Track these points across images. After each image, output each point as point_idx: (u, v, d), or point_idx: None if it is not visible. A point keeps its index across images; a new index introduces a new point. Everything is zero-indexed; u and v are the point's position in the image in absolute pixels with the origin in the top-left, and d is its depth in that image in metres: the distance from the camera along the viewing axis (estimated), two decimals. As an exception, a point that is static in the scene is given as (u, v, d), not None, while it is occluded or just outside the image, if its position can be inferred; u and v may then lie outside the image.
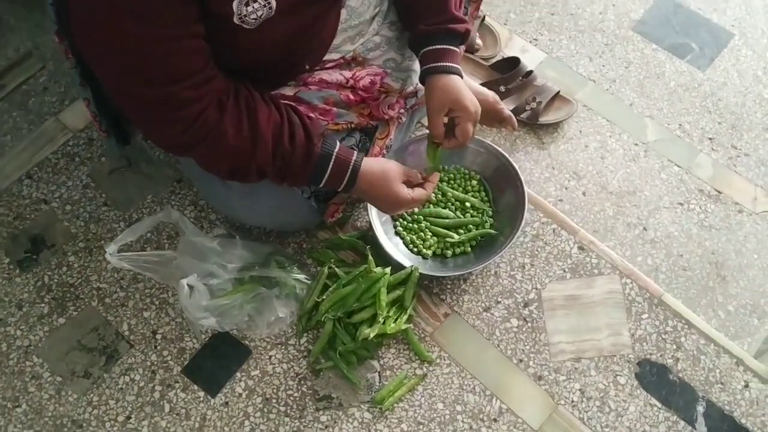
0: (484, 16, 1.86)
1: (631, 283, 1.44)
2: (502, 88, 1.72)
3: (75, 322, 1.41)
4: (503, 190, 1.47)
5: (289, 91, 1.27)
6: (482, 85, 1.69)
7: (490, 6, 1.93)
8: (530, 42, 1.89)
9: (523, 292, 1.43)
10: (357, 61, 1.30)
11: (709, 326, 1.40)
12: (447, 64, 1.23)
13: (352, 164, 1.20)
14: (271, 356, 1.37)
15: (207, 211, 1.51)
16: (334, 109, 1.31)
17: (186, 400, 1.34)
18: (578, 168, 1.67)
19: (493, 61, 1.82)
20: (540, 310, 1.41)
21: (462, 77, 1.24)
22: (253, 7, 1.04)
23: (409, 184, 1.26)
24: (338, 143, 1.20)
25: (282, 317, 1.36)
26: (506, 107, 1.51)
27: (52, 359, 1.38)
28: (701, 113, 1.77)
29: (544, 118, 1.73)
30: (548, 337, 1.39)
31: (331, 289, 1.36)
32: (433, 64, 1.23)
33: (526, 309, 1.42)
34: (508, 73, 1.73)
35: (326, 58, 1.27)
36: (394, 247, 1.41)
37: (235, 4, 1.02)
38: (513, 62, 1.76)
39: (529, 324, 1.40)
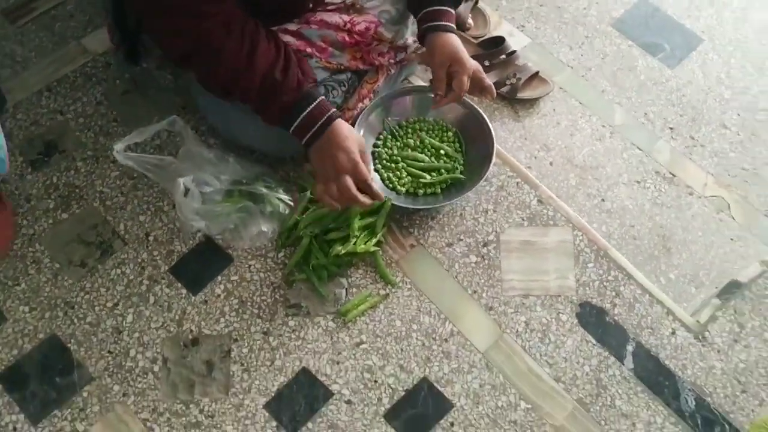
0: (477, 0, 2.03)
1: (582, 235, 1.59)
2: (486, 63, 1.87)
3: (77, 218, 1.56)
4: (476, 144, 1.63)
5: (292, 26, 1.43)
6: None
7: (484, -9, 2.09)
8: (517, 27, 2.05)
9: (484, 234, 1.58)
10: (355, 8, 1.46)
11: (646, 279, 1.55)
12: (446, 23, 1.40)
13: (329, 112, 1.32)
14: (250, 265, 1.51)
15: (207, 135, 1.66)
16: (330, 48, 1.46)
17: (169, 294, 1.48)
18: (548, 141, 1.83)
19: (481, 39, 1.98)
20: (497, 251, 1.56)
21: (458, 36, 1.41)
22: None
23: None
24: (322, 96, 1.35)
25: (264, 231, 1.50)
26: (488, 79, 1.68)
27: (53, 248, 1.52)
28: (666, 105, 1.93)
29: (522, 94, 1.88)
30: (502, 274, 1.54)
31: (311, 209, 1.51)
32: (436, 23, 1.39)
33: (485, 248, 1.57)
34: (493, 50, 1.89)
35: (328, 0, 1.43)
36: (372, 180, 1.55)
37: None
38: (498, 41, 1.92)
39: (486, 261, 1.55)
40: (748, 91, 1.96)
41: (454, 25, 1.41)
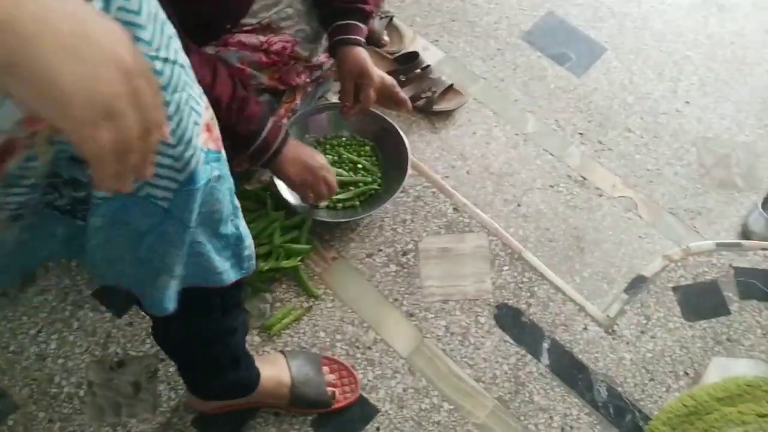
0: (392, 17, 2.10)
1: (497, 240, 1.67)
2: (402, 78, 1.94)
3: (-4, 247, 1.55)
4: (392, 157, 1.69)
5: (210, 50, 1.47)
6: (387, 73, 1.92)
7: (398, 8, 2.17)
8: (432, 42, 2.13)
9: (403, 243, 1.64)
10: (271, 28, 1.51)
11: (559, 279, 1.63)
12: (355, 37, 1.46)
13: (283, 132, 1.42)
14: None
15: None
16: (248, 69, 1.51)
17: (94, 318, 1.49)
18: (465, 151, 1.90)
19: (397, 55, 2.05)
20: (416, 259, 1.62)
21: (366, 51, 1.47)
22: None
23: None
24: (270, 119, 1.43)
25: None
26: (404, 93, 1.74)
27: (-28, 279, 1.51)
28: (575, 112, 2.03)
29: (438, 106, 1.96)
30: (421, 281, 1.60)
31: (232, 228, 1.54)
32: (345, 36, 1.45)
33: (404, 257, 1.62)
34: (408, 65, 1.96)
35: (245, 21, 1.47)
36: (292, 197, 1.60)
37: None
38: (413, 56, 2.00)
39: (406, 270, 1.61)
40: (650, 95, 2.08)
41: (363, 39, 1.47)
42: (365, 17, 1.49)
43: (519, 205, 1.82)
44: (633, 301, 1.62)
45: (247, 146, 1.38)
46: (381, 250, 1.63)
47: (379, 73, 1.72)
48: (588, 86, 2.09)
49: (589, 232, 1.80)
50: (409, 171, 1.63)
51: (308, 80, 1.65)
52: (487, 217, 1.70)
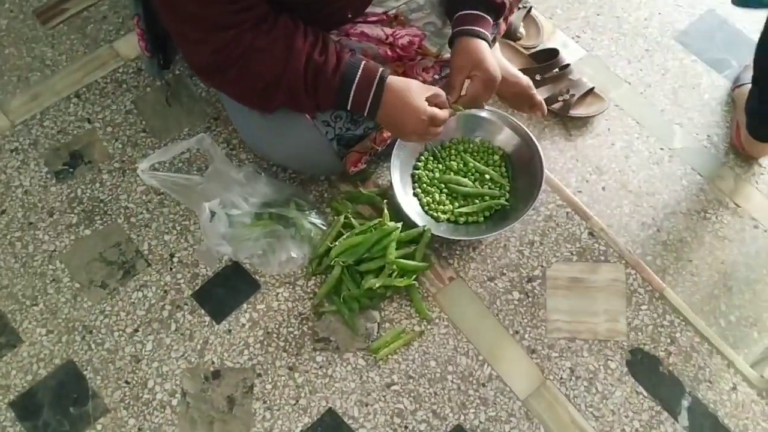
0: (530, 7, 1.90)
1: (635, 274, 1.47)
2: (538, 77, 1.75)
3: (100, 235, 1.49)
4: (524, 169, 1.51)
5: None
6: (521, 71, 1.73)
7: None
8: (572, 38, 1.92)
9: (529, 268, 1.47)
10: (398, 20, 1.36)
11: (706, 326, 1.42)
12: (477, 28, 1.28)
13: (378, 74, 1.23)
14: (278, 293, 1.43)
15: (238, 150, 1.57)
16: (371, 61, 1.36)
17: (192, 322, 1.40)
18: (601, 164, 1.70)
19: (534, 50, 1.85)
20: (542, 287, 1.45)
21: (491, 46, 1.29)
22: None
23: (431, 103, 1.29)
24: (365, 59, 1.25)
25: (294, 257, 1.41)
26: (539, 94, 1.56)
27: (74, 266, 1.45)
28: (731, 127, 1.78)
29: (575, 111, 1.76)
30: (546, 313, 1.43)
31: (344, 236, 1.42)
32: (465, 27, 1.28)
33: (529, 284, 1.45)
34: (545, 63, 1.77)
35: (369, 10, 1.32)
36: (411, 206, 1.45)
37: None
38: (552, 53, 1.80)
39: (530, 299, 1.44)
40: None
41: (486, 33, 1.29)
42: (494, 10, 1.31)
43: (659, 231, 1.61)
44: (793, 360, 1.40)
45: (340, 95, 1.23)
46: (504, 274, 1.46)
47: (513, 71, 1.55)
48: (750, 99, 1.83)
49: (739, 268, 1.58)
50: (543, 186, 1.45)
51: (437, 77, 1.49)
52: (626, 247, 1.50)
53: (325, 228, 1.45)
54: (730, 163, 1.72)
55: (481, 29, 1.28)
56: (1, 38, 1.76)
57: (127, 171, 1.55)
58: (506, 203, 1.48)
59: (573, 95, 1.74)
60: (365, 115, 1.26)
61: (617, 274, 1.47)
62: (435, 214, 1.47)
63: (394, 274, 1.38)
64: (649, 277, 1.46)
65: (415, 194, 1.50)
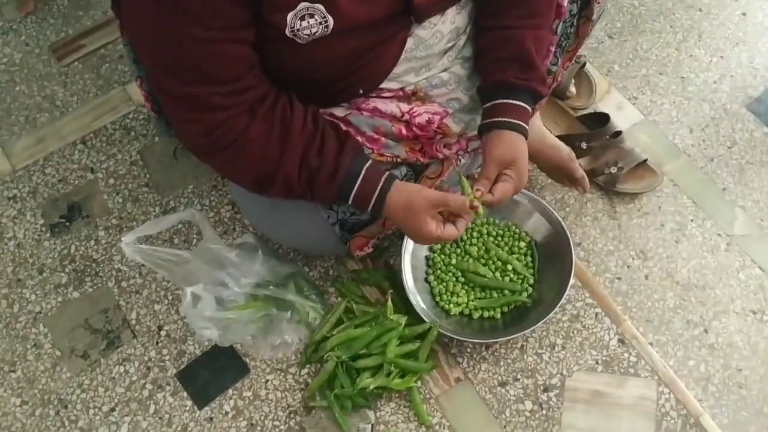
0: (584, 63, 1.72)
1: (669, 393, 1.29)
2: (584, 145, 1.58)
3: (88, 298, 1.40)
4: (552, 261, 1.36)
5: (340, 112, 1.21)
6: (563, 137, 1.57)
7: (594, 53, 1.79)
8: (629, 99, 1.73)
9: (546, 375, 1.32)
10: (418, 96, 1.21)
11: (747, 463, 1.24)
12: (519, 122, 1.13)
13: (380, 186, 1.11)
14: (267, 380, 1.32)
15: (235, 223, 1.47)
16: (383, 139, 1.23)
17: (172, 405, 1.30)
18: (647, 247, 1.52)
19: (582, 112, 1.68)
20: (560, 399, 1.29)
21: (527, 137, 1.14)
22: (308, 22, 0.98)
23: (444, 213, 1.14)
24: (370, 161, 1.12)
25: (288, 342, 1.30)
26: (581, 167, 1.43)
27: (57, 332, 1.37)
28: (801, 216, 1.58)
29: (623, 186, 1.58)
30: (561, 430, 1.27)
31: (342, 326, 1.29)
32: (506, 119, 1.13)
33: (545, 394, 1.30)
34: (594, 130, 1.59)
35: (384, 86, 1.19)
36: (420, 295, 1.32)
37: (289, 16, 0.97)
38: (602, 118, 1.62)
39: (544, 411, 1.28)
40: None
41: (523, 124, 1.14)
42: (539, 99, 1.15)
43: (706, 332, 1.43)
44: None
45: (339, 197, 1.11)
46: (518, 379, 1.31)
47: (552, 141, 1.43)
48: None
49: (797, 384, 1.38)
50: (571, 282, 1.29)
51: (461, 153, 1.35)
52: (659, 359, 1.33)
53: (324, 312, 1.33)
54: (799, 258, 1.52)
55: (523, 123, 1.13)
56: (14, 74, 1.69)
57: (124, 229, 1.47)
58: (527, 300, 1.33)
59: (621, 168, 1.57)
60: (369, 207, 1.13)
61: (647, 391, 1.30)
62: (447, 306, 1.33)
63: (393, 375, 1.25)
64: (685, 399, 1.29)
65: (427, 280, 1.36)
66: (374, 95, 1.20)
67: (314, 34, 0.99)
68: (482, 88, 1.19)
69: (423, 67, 1.19)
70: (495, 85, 1.15)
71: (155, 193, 1.51)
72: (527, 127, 1.15)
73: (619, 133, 1.60)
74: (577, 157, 1.55)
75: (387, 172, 1.12)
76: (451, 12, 1.15)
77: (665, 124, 1.70)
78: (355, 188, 1.10)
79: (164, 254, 1.23)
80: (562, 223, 1.35)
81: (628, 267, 1.49)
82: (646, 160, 1.58)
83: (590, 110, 1.69)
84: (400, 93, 1.20)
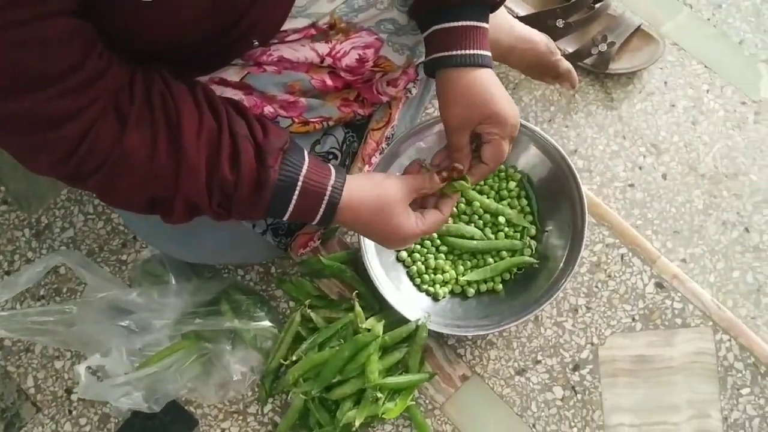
0: None
1: (730, 340, 1.03)
2: (560, 23, 1.25)
3: (-35, 373, 1.07)
4: (554, 199, 1.04)
5: (233, 75, 0.84)
6: (530, 18, 1.25)
7: None
8: (605, -51, 1.36)
9: (574, 349, 1.04)
10: (338, 28, 0.84)
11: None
12: (473, 52, 0.78)
13: (327, 196, 0.77)
14: (224, 430, 1.02)
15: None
16: (303, 100, 0.88)
17: (110, 487, 1.01)
18: (659, 138, 1.23)
19: (554, -24, 1.32)
20: (595, 376, 1.03)
21: (491, 67, 0.80)
22: None
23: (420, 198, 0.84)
24: (307, 159, 0.77)
25: (238, 378, 0.99)
26: (565, 53, 1.19)
27: (-64, 425, 1.05)
28: (844, 52, 1.28)
29: (617, 66, 1.27)
30: (604, 416, 1.01)
31: (303, 346, 0.98)
32: (451, 52, 0.79)
33: (576, 373, 1.03)
34: (570, 1, 1.24)
35: (286, 27, 0.80)
36: (394, 283, 1.01)
37: None
38: (577, -18, 1.27)
39: (579, 396, 1.02)
40: None
41: (488, 53, 0.79)
42: (491, 6, 0.80)
43: (747, 231, 1.17)
44: None
45: (273, 208, 0.77)
46: (539, 362, 1.03)
47: (525, 34, 1.12)
48: None
49: None
50: (587, 230, 0.98)
51: (412, 86, 0.99)
52: (711, 299, 1.05)
53: (275, 329, 1.01)
54: None
55: (480, 51, 0.78)
56: None
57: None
58: (532, 260, 1.02)
59: (613, 43, 1.26)
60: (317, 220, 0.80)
61: (703, 344, 1.03)
62: (431, 288, 1.02)
63: (383, 399, 0.95)
64: (750, 343, 1.02)
65: (399, 259, 1.04)
66: (276, 41, 0.82)
67: None
68: (412, 11, 0.83)
69: None
70: (422, 4, 0.80)
71: (19, 211, 1.14)
72: (487, 52, 0.80)
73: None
74: (555, 40, 1.25)
75: (334, 173, 0.78)
76: None
77: (655, -30, 1.34)
78: (292, 205, 0.76)
79: (39, 316, 0.89)
80: (561, 150, 1.02)
81: (641, 168, 1.21)
82: (640, 25, 1.28)
83: (558, -27, 1.33)
84: (312, 30, 0.83)
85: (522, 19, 1.26)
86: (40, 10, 0.58)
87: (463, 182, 0.81)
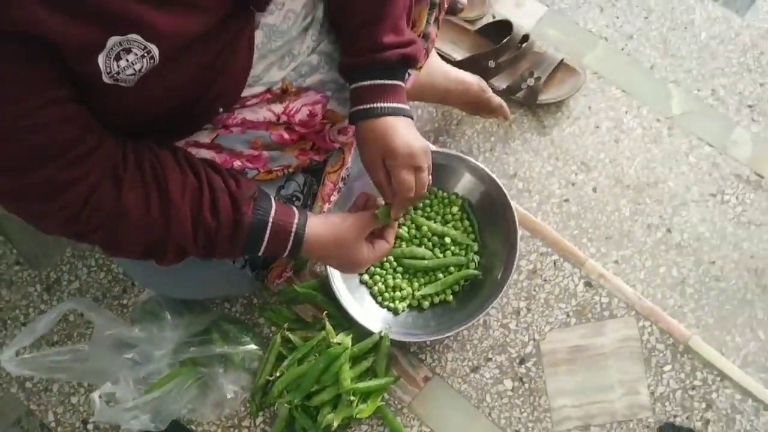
0: (465, -34, 1.51)
1: (651, 326, 1.18)
2: (492, 63, 1.41)
3: (-6, 413, 1.22)
4: (491, 218, 1.20)
5: (205, 138, 0.99)
6: (466, 61, 1.40)
7: (475, -51, 1.56)
8: (526, -7, 1.54)
9: (519, 345, 1.19)
10: (289, 92, 1.00)
11: (746, 376, 1.15)
12: (372, 106, 0.94)
13: (293, 232, 0.93)
14: (222, 443, 1.17)
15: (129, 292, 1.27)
16: (265, 153, 1.03)
17: (128, 502, 1.15)
18: (587, 157, 1.39)
19: (481, 24, 1.48)
20: (539, 367, 1.17)
21: (409, 116, 0.96)
22: (127, 60, 0.76)
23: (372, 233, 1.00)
24: (274, 204, 0.94)
25: (232, 397, 1.14)
26: (499, 89, 1.34)
27: (-29, 462, 1.20)
28: (739, 73, 1.44)
29: (545, 97, 1.43)
30: (549, 400, 1.16)
31: (285, 363, 1.14)
32: (361, 106, 0.95)
33: (523, 366, 1.18)
34: (498, 43, 1.41)
35: (246, 94, 0.97)
36: (359, 303, 1.16)
37: (101, 60, 0.74)
38: (504, 26, 1.44)
39: (527, 385, 1.17)
40: None
41: (397, 104, 0.95)
42: (396, 69, 0.96)
43: (669, 231, 1.32)
44: None
45: (248, 246, 0.93)
46: (490, 359, 1.19)
47: (457, 76, 1.28)
48: (757, 28, 1.48)
49: (773, 259, 1.29)
50: (519, 234, 1.15)
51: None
52: (632, 291, 1.21)
53: (261, 352, 1.16)
54: (745, 121, 1.39)
55: (384, 104, 0.94)
56: None
57: (8, 321, 1.26)
58: (477, 273, 1.18)
59: (539, 78, 1.40)
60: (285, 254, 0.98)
61: (628, 331, 1.18)
62: (392, 304, 1.18)
63: (356, 402, 1.11)
64: (669, 327, 1.18)
65: (362, 281, 1.20)
66: (239, 106, 0.99)
67: (140, 71, 0.77)
68: (340, 70, 1.00)
69: (285, 57, 0.97)
70: (350, 67, 0.96)
71: (30, 270, 1.29)
72: (395, 104, 0.95)
73: (526, 37, 1.42)
74: (489, 78, 1.39)
75: (297, 213, 0.94)
76: None
77: (572, 9, 1.52)
78: (264, 242, 0.92)
79: (56, 356, 1.04)
80: (491, 174, 1.18)
81: (573, 185, 1.36)
82: (562, 60, 1.42)
83: (489, 19, 1.49)
84: (268, 95, 0.99)
85: (460, 62, 1.42)
86: (41, 101, 0.73)
87: (382, 213, 0.95)
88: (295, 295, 1.20)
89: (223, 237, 0.89)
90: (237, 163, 1.01)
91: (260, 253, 0.94)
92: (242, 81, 0.94)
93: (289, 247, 0.94)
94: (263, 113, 0.99)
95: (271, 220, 0.92)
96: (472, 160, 1.20)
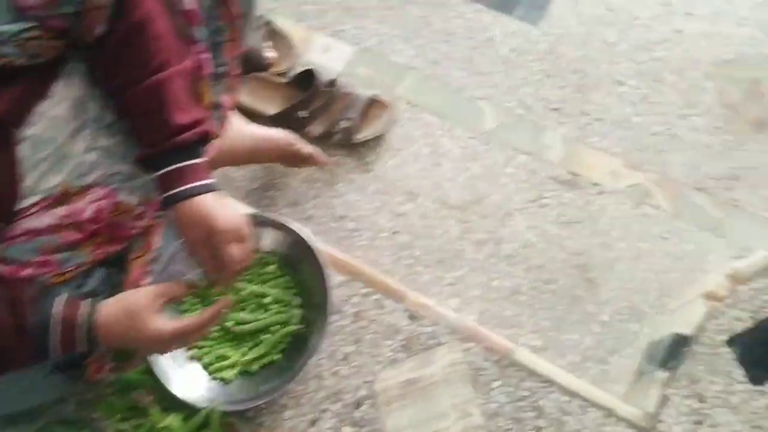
0: (268, 21, 1.54)
1: (475, 346, 1.22)
2: (305, 113, 1.43)
3: None
4: (303, 269, 1.23)
5: (-11, 254, 0.99)
6: (279, 116, 1.43)
7: (276, 2, 1.60)
8: (332, 36, 1.58)
9: (353, 390, 1.21)
10: (70, 195, 1.01)
11: (569, 377, 1.20)
12: (186, 187, 0.96)
13: (82, 320, 0.93)
14: None
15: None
16: (56, 256, 1.02)
17: None
18: (411, 186, 1.42)
19: (293, 74, 1.51)
20: (375, 408, 1.20)
21: (218, 189, 0.97)
22: None
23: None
24: (56, 301, 0.94)
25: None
26: (315, 136, 1.38)
27: None
28: (541, 80, 1.50)
29: (362, 135, 1.46)
30: (390, 437, 1.18)
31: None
32: (169, 193, 0.96)
33: (359, 410, 1.20)
34: (306, 91, 1.44)
35: (23, 205, 0.97)
36: (190, 378, 1.17)
37: None
38: (307, 77, 1.46)
39: (366, 428, 1.19)
40: (637, 20, 1.54)
41: (203, 182, 0.97)
42: (190, 150, 0.98)
43: (498, 244, 1.36)
44: (677, 378, 1.19)
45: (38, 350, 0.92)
46: (326, 410, 1.21)
47: (265, 135, 1.30)
48: (551, 34, 1.55)
49: (595, 252, 1.35)
50: (330, 284, 1.17)
51: (160, 212, 1.17)
52: (454, 316, 1.25)
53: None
54: (553, 124, 1.45)
55: (187, 185, 0.96)
56: None
57: None
58: (300, 327, 1.20)
59: (351, 118, 1.44)
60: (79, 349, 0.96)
61: (454, 355, 1.22)
62: (221, 374, 1.19)
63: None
64: (491, 344, 1.22)
65: (192, 357, 1.21)
66: (19, 217, 0.99)
67: None
68: (138, 158, 1.01)
69: (59, 162, 0.97)
70: (150, 157, 0.97)
71: None
72: (201, 181, 0.97)
73: (333, 82, 1.45)
74: (305, 127, 1.43)
75: (84, 303, 0.94)
76: (58, 89, 0.94)
77: (378, 45, 1.57)
78: (52, 340, 0.91)
79: None
80: (290, 225, 1.21)
81: (401, 215, 1.40)
82: (372, 96, 1.45)
83: (299, 69, 1.52)
84: (48, 202, 0.99)
85: (273, 116, 1.43)
86: None
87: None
88: (127, 384, 1.21)
89: (6, 348, 0.89)
90: (26, 272, 1.00)
91: (59, 353, 0.94)
92: (12, 197, 0.94)
93: (82, 340, 0.93)
94: (46, 219, 0.98)
95: (53, 316, 0.92)
96: (272, 215, 1.23)
